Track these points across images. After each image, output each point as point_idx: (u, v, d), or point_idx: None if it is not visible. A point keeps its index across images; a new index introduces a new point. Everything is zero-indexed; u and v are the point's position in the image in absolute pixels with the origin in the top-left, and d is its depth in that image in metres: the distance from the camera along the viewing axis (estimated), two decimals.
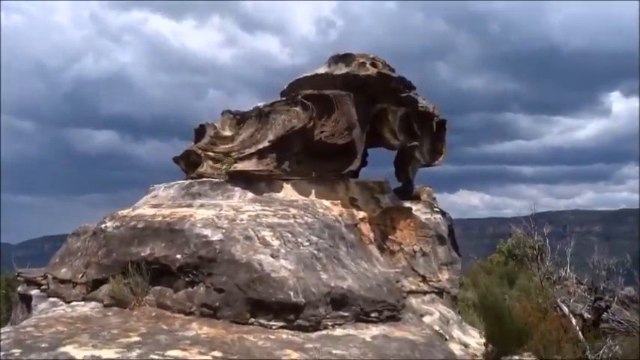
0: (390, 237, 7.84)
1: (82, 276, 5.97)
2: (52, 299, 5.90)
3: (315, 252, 5.67)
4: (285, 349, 4.22)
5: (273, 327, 4.79)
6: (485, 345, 5.82)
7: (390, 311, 5.49)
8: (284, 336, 4.60)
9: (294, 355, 4.11)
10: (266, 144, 7.45)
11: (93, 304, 5.49)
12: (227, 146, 7.98)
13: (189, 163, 8.33)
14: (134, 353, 3.72)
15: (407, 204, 8.41)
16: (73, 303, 5.60)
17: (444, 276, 8.38)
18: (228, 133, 8.32)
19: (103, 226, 6.24)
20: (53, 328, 4.31)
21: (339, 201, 7.46)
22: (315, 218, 6.49)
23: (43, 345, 3.78)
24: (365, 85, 7.57)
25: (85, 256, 6.28)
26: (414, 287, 7.50)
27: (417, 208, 8.59)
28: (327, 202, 7.28)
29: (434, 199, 9.55)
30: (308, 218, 6.38)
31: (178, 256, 5.42)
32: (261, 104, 8.02)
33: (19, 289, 6.78)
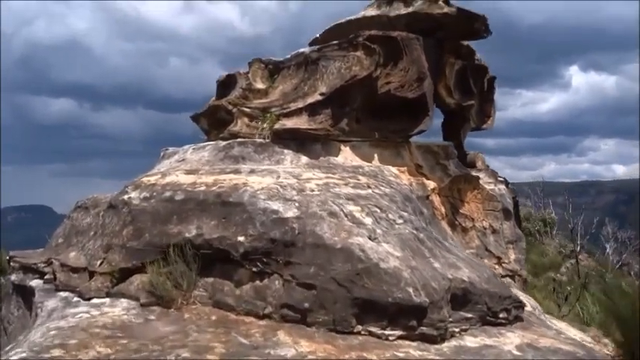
0: (460, 211, 6.59)
1: (102, 262, 4.54)
2: (62, 294, 4.47)
3: (414, 232, 4.38)
4: None
5: (390, 337, 3.51)
6: (618, 348, 4.70)
7: (516, 309, 4.26)
8: (413, 352, 3.32)
9: None
10: (318, 97, 6.01)
11: (124, 302, 4.09)
12: (263, 101, 6.54)
13: (214, 122, 6.88)
14: None
15: (473, 172, 7.18)
16: (95, 300, 4.19)
17: (511, 256, 7.23)
18: (260, 85, 6.86)
19: (125, 197, 4.79)
20: (90, 349, 2.93)
21: (405, 168, 6.15)
22: (392, 188, 5.18)
23: None
24: (438, 27, 6.22)
25: (101, 236, 4.83)
26: None
27: (480, 177, 7.37)
28: (394, 169, 5.97)
29: (487, 166, 8.37)
30: (385, 188, 5.06)
31: (241, 239, 4.05)
32: (305, 49, 6.58)
33: (13, 277, 5.30)
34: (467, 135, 8.56)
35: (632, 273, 13.68)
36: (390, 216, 4.44)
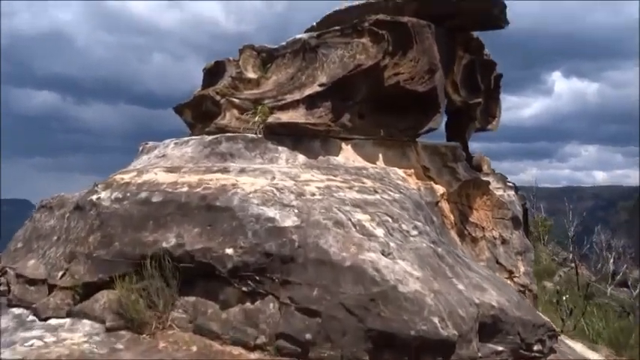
0: (469, 219, 5.99)
1: (64, 274, 3.85)
2: (16, 310, 3.78)
3: (432, 246, 3.75)
4: None
5: None
6: None
7: (550, 339, 3.66)
8: None
9: None
10: (317, 89, 5.36)
11: (87, 324, 3.42)
12: (255, 91, 5.87)
13: (199, 114, 6.20)
14: None
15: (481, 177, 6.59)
16: (52, 321, 3.51)
17: (521, 269, 6.65)
18: (252, 74, 6.19)
19: (94, 197, 4.10)
20: None
21: (411, 170, 5.53)
22: (401, 194, 4.55)
23: None
24: (452, 13, 5.61)
25: (65, 242, 4.14)
26: None
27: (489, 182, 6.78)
28: (400, 172, 5.34)
29: (493, 170, 7.79)
30: (393, 194, 4.43)
31: (229, 251, 3.39)
32: (303, 35, 5.91)
33: None
34: (471, 136, 7.98)
35: (629, 283, 13.25)
36: (404, 227, 3.81)
